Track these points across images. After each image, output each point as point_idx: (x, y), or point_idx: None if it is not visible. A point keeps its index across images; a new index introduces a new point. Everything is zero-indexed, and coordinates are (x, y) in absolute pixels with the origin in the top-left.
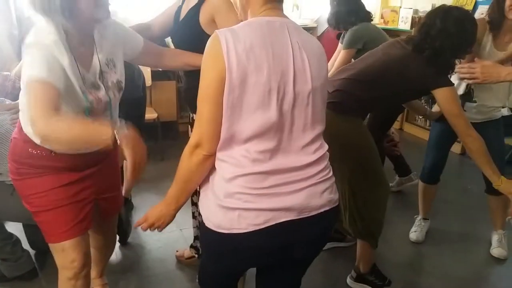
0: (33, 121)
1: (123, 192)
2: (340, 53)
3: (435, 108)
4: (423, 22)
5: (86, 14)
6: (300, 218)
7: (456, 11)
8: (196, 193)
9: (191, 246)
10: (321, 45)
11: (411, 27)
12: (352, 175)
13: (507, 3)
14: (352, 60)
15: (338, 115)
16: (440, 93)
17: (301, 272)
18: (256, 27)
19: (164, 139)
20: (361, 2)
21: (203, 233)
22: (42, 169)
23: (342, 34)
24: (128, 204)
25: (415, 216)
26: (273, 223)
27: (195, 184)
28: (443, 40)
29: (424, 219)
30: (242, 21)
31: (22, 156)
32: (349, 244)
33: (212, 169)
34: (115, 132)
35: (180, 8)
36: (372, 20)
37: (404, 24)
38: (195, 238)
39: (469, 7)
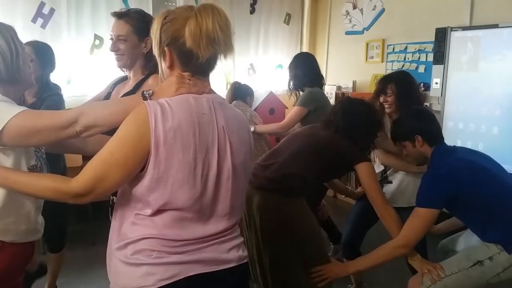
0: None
1: (46, 286)
2: (293, 109)
3: (359, 189)
4: (346, 110)
5: (25, 81)
6: (208, 272)
7: (370, 104)
8: None
9: None
10: (244, 119)
11: (336, 101)
12: (308, 258)
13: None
14: (299, 124)
15: (288, 199)
16: (362, 167)
17: None
18: (184, 104)
19: (96, 220)
20: (314, 65)
21: None
22: None
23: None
24: None
25: (349, 286)
26: (182, 277)
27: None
28: (370, 127)
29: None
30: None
31: None
32: None
33: (121, 230)
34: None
35: (109, 94)
36: (324, 84)
37: (329, 99)
38: None
39: None
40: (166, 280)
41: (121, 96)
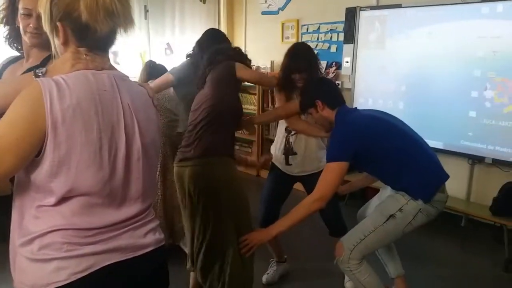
0: None
1: None
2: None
3: (262, 159)
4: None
5: None
6: (126, 259)
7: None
8: None
9: None
10: (146, 91)
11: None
12: (241, 226)
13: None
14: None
15: (217, 158)
16: (239, 66)
17: None
18: (83, 81)
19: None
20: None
21: None
22: None
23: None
24: None
25: (271, 260)
26: (97, 267)
27: None
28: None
29: (279, 262)
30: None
31: None
32: None
33: (23, 224)
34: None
35: None
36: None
37: None
38: None
39: None
40: (80, 273)
41: (25, 72)
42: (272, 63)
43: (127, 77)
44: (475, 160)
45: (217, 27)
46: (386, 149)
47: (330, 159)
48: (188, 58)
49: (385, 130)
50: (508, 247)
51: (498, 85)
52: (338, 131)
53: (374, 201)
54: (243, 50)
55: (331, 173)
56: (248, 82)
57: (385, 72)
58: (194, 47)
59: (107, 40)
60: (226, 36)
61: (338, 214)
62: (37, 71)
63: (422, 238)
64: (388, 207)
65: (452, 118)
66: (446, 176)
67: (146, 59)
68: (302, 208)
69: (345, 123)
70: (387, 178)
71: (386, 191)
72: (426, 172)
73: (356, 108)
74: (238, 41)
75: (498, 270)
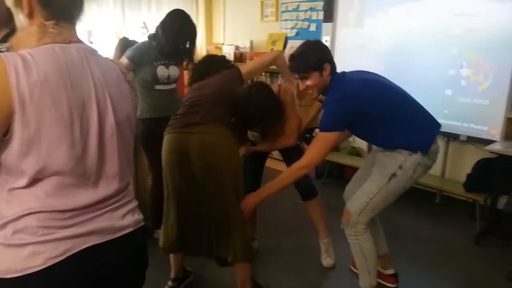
0: None
1: None
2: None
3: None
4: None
5: None
6: (104, 242)
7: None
8: None
9: None
10: (118, 67)
11: (234, 61)
12: (236, 188)
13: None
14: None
15: (223, 129)
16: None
17: None
18: (50, 55)
19: None
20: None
21: None
22: None
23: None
24: None
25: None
26: (75, 251)
27: None
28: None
29: (253, 239)
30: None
31: None
32: None
33: None
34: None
35: None
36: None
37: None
38: None
39: (281, 42)
40: (57, 257)
41: None
42: (251, 42)
43: (96, 51)
44: (450, 137)
45: (194, 6)
46: (382, 109)
47: (323, 129)
48: (150, 38)
49: (379, 91)
50: (480, 222)
51: (473, 64)
52: (332, 100)
53: (359, 175)
54: (222, 29)
55: (322, 143)
56: (252, 70)
57: (364, 51)
58: (157, 28)
59: (73, 6)
60: (191, 18)
61: (308, 177)
62: (0, 47)
63: (397, 215)
64: (388, 167)
65: (429, 96)
66: (440, 125)
67: None
68: (288, 174)
69: (337, 91)
70: (384, 137)
71: (375, 155)
72: (423, 123)
73: (344, 72)
74: (216, 20)
75: (470, 243)
